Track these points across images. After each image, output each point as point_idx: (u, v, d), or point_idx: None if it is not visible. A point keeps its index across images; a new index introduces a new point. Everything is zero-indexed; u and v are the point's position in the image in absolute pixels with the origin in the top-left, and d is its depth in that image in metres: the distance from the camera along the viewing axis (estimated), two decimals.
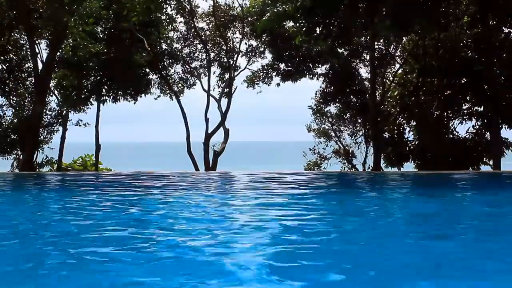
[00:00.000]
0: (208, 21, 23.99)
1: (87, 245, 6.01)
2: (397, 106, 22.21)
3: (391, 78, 22.89)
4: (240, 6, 23.45)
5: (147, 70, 23.00)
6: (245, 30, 23.53)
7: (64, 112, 21.60)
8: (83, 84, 21.45)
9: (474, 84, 19.83)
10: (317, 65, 22.90)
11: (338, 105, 23.47)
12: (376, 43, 20.92)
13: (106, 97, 22.36)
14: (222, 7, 23.68)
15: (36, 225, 7.54)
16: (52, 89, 21.31)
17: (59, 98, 21.50)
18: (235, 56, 24.17)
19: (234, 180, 13.47)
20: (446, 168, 18.60)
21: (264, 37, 23.09)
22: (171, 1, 22.59)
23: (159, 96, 24.22)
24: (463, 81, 20.52)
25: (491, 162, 19.00)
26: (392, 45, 22.09)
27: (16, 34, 21.10)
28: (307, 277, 4.86)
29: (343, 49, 21.53)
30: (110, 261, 5.33)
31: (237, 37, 24.10)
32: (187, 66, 24.50)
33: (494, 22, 18.69)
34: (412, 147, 21.51)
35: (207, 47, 23.75)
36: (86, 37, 20.09)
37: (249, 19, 22.99)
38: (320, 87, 23.30)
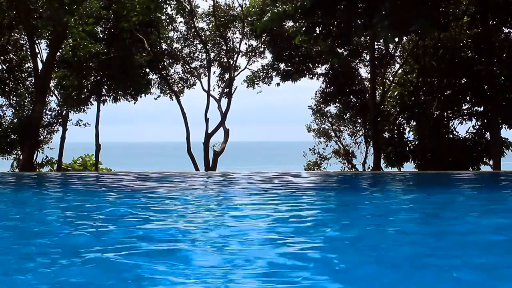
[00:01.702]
0: (208, 21, 24.00)
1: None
2: (397, 106, 22.23)
3: (391, 78, 22.91)
4: (240, 6, 23.48)
5: (147, 70, 23.01)
6: (245, 30, 23.54)
7: (64, 112, 21.60)
8: (83, 84, 21.45)
9: (474, 84, 19.85)
10: (317, 65, 22.92)
11: (338, 105, 23.48)
12: (376, 43, 20.94)
13: (106, 97, 22.39)
14: (222, 7, 23.68)
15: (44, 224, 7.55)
16: (52, 89, 21.32)
17: (59, 98, 21.51)
18: (235, 56, 24.18)
19: (234, 180, 13.47)
20: (446, 168, 18.61)
21: (264, 37, 23.11)
22: (171, 1, 22.59)
23: (159, 96, 24.24)
24: (463, 81, 20.53)
25: (491, 162, 19.01)
26: (392, 46, 22.09)
27: (16, 34, 21.12)
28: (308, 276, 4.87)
29: (343, 49, 21.53)
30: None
31: (237, 37, 24.15)
32: (187, 66, 24.51)
33: (494, 22, 18.68)
34: (412, 147, 21.53)
35: (207, 47, 23.76)
36: (86, 37, 20.10)
37: (249, 19, 22.99)
38: (320, 87, 23.33)
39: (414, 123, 21.63)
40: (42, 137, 21.11)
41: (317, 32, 16.04)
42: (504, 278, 4.81)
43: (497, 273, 4.96)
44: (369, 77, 21.37)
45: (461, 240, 6.39)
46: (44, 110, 20.31)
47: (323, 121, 24.36)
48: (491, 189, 11.97)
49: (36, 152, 20.02)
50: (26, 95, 21.10)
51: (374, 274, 4.94)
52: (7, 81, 21.04)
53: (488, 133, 19.89)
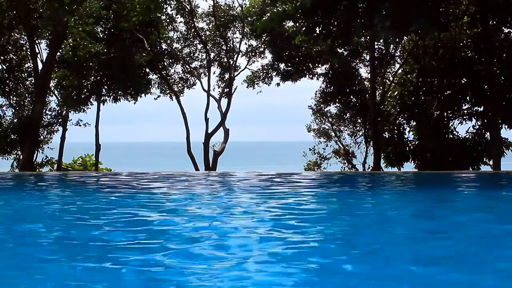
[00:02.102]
0: (208, 21, 24.01)
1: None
2: (397, 106, 22.23)
3: (391, 78, 22.91)
4: (240, 6, 23.48)
5: (147, 70, 23.01)
6: (245, 30, 23.54)
7: (64, 112, 21.61)
8: (83, 84, 21.45)
9: (474, 84, 19.85)
10: (317, 65, 22.91)
11: (338, 105, 23.48)
12: (376, 43, 20.94)
13: (106, 97, 22.39)
14: (222, 7, 23.69)
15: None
16: (52, 89, 21.32)
17: (59, 98, 21.51)
18: (235, 56, 24.18)
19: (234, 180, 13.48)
20: (446, 168, 18.60)
21: (264, 37, 23.11)
22: (171, 1, 22.59)
23: (159, 96, 24.24)
24: (463, 81, 20.53)
25: (491, 162, 19.00)
26: (392, 46, 22.07)
27: (16, 34, 21.12)
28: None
29: (343, 49, 21.53)
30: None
31: (237, 37, 24.15)
32: (187, 66, 24.51)
33: (494, 22, 18.69)
34: (412, 147, 21.53)
35: (207, 47, 23.76)
36: (86, 37, 20.10)
37: (249, 19, 22.99)
38: (320, 87, 23.33)
39: (414, 123, 21.63)
40: (42, 137, 21.11)
41: (317, 32, 16.05)
42: (502, 277, 4.81)
43: (495, 272, 4.97)
44: (369, 77, 21.37)
45: (461, 240, 6.39)
46: (44, 110, 20.31)
47: (323, 121, 24.36)
48: (490, 189, 11.97)
49: (36, 152, 20.02)
50: (26, 95, 21.10)
51: (372, 273, 4.94)
52: (7, 81, 21.04)
53: (488, 133, 19.89)
